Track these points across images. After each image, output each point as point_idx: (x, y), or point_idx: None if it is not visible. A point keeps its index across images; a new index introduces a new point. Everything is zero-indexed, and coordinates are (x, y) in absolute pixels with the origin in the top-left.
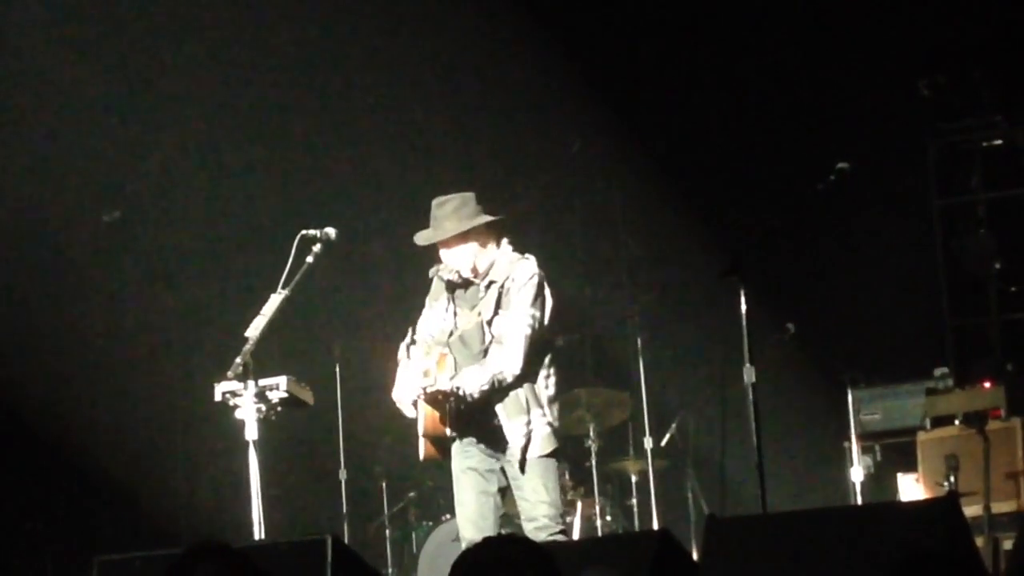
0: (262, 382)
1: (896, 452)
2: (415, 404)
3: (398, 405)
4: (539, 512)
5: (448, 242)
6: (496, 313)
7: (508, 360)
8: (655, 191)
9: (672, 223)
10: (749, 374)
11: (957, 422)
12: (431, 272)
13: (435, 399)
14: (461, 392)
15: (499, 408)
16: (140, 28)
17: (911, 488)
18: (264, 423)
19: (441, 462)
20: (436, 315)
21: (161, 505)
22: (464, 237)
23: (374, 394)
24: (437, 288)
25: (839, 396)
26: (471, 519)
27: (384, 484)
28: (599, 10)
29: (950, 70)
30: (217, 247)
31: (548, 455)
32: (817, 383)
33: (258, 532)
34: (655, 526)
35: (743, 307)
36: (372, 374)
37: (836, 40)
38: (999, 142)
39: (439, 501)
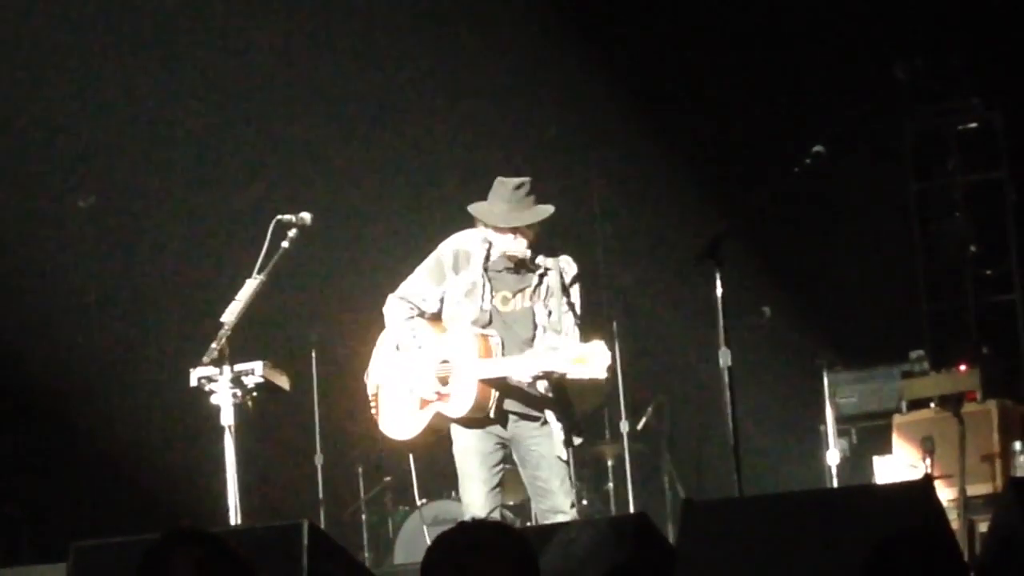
0: (238, 367)
1: (872, 435)
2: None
3: (390, 363)
4: (558, 499)
5: (518, 228)
6: (550, 302)
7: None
8: (631, 176)
9: (648, 207)
10: (725, 357)
11: (933, 405)
12: (459, 247)
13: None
14: (571, 377)
15: (544, 399)
16: (115, 12)
17: (887, 471)
18: (240, 408)
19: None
20: (460, 291)
21: (137, 490)
22: (533, 225)
23: (351, 379)
24: (458, 261)
25: (815, 379)
26: (482, 500)
27: (360, 469)
28: None
29: (926, 53)
30: (192, 232)
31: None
32: (793, 366)
33: (234, 517)
34: (632, 510)
35: (719, 291)
36: (348, 359)
37: (812, 23)
38: (975, 125)
39: (415, 486)
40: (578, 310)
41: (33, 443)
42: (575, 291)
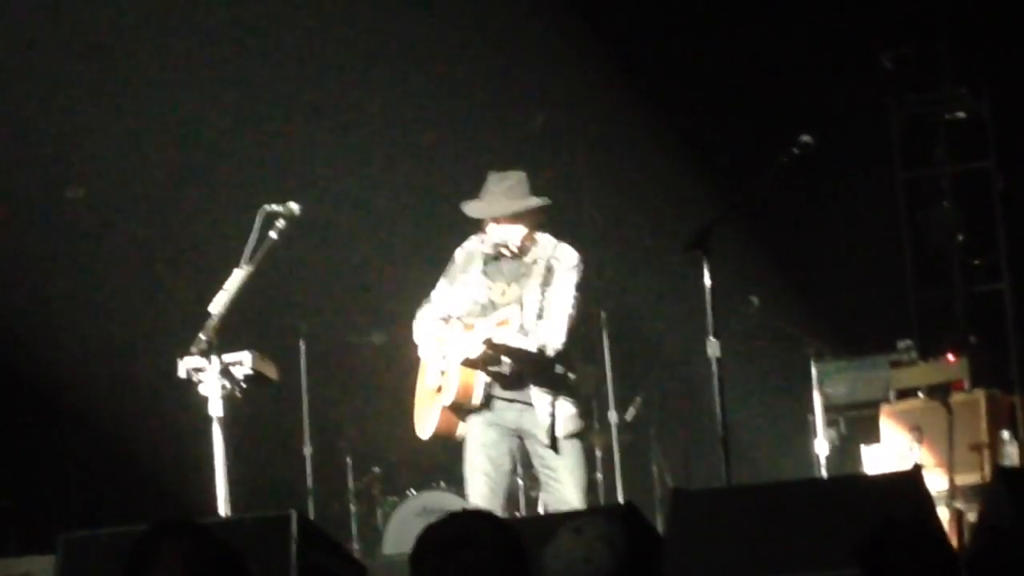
0: (226, 358)
1: (860, 424)
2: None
3: (426, 368)
4: (565, 489)
5: (500, 219)
6: (541, 290)
7: (553, 333)
8: (619, 165)
9: (637, 197)
10: (713, 348)
11: (921, 395)
12: (466, 248)
13: (488, 357)
14: (517, 346)
15: (530, 382)
16: (103, 3)
17: (875, 460)
18: (228, 399)
19: (446, 440)
20: (466, 287)
21: (126, 482)
22: (517, 216)
23: (339, 370)
24: (465, 261)
25: (803, 369)
26: (481, 493)
27: (349, 459)
28: None
29: (914, 42)
30: (181, 222)
31: (575, 435)
32: (781, 356)
33: (223, 508)
34: (620, 500)
35: (707, 280)
36: (338, 350)
37: (799, 12)
38: (962, 114)
39: (404, 476)
40: (570, 299)
41: (21, 434)
42: (568, 279)
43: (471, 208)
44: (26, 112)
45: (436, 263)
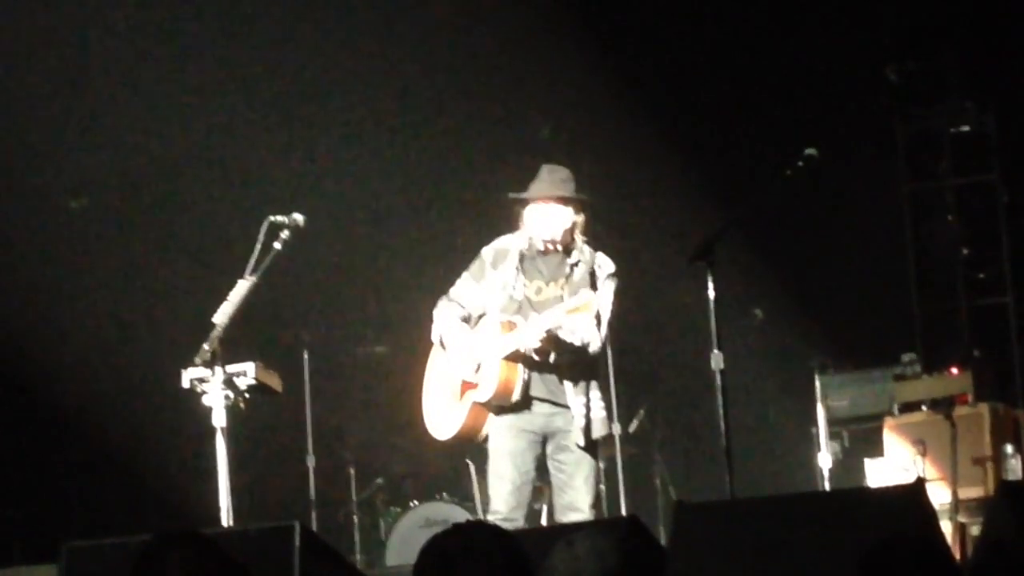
0: (230, 368)
1: (864, 438)
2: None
3: (441, 365)
4: (579, 496)
5: (550, 200)
6: (580, 293)
7: (595, 333)
8: (625, 176)
9: (642, 208)
10: (717, 360)
11: (924, 408)
12: (497, 246)
13: (543, 349)
14: (566, 340)
15: (565, 382)
16: (106, 12)
17: (879, 474)
18: (232, 410)
19: (467, 445)
20: (497, 284)
21: (129, 492)
22: (566, 202)
23: (342, 381)
24: (496, 258)
25: (807, 382)
26: (506, 500)
27: (352, 470)
28: None
29: (919, 56)
30: (184, 233)
31: (601, 439)
32: (785, 369)
33: (226, 519)
34: (623, 512)
35: (711, 292)
36: (341, 361)
37: (805, 25)
38: (967, 128)
39: (407, 487)
40: (606, 308)
41: (26, 444)
42: (606, 289)
43: (531, 189)
44: (29, 122)
45: (440, 274)
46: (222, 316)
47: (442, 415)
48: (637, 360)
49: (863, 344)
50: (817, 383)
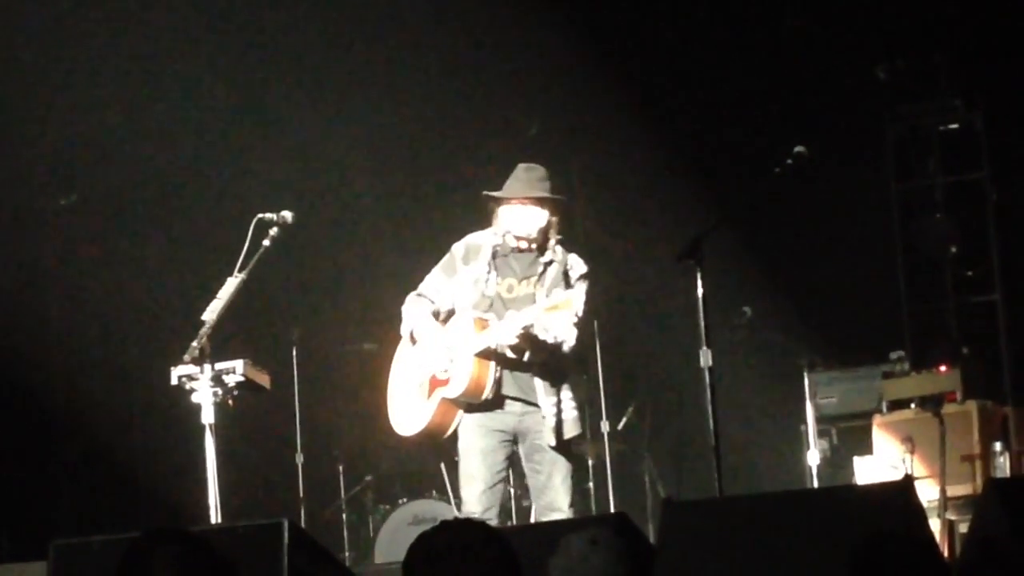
0: (219, 366)
1: (852, 436)
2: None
3: (407, 361)
4: (558, 496)
5: (527, 201)
6: (553, 292)
7: (571, 332)
8: (613, 174)
9: (630, 206)
10: (706, 357)
11: (913, 406)
12: (469, 242)
13: (518, 347)
14: (541, 338)
15: (536, 381)
16: (98, 10)
17: (867, 471)
18: (221, 407)
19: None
20: (468, 280)
21: (118, 489)
22: (542, 203)
23: (332, 378)
24: (467, 254)
25: (795, 379)
26: (478, 499)
27: (341, 468)
28: None
29: (908, 54)
30: (173, 230)
31: (573, 439)
32: (774, 367)
33: (215, 516)
34: (612, 509)
35: (700, 290)
36: (329, 358)
37: (794, 24)
38: (956, 126)
39: (396, 485)
40: (580, 308)
41: (13, 441)
42: (579, 289)
43: (505, 188)
44: (19, 119)
45: (429, 271)
46: (211, 313)
47: (408, 411)
48: (626, 357)
49: (852, 341)
50: (806, 380)
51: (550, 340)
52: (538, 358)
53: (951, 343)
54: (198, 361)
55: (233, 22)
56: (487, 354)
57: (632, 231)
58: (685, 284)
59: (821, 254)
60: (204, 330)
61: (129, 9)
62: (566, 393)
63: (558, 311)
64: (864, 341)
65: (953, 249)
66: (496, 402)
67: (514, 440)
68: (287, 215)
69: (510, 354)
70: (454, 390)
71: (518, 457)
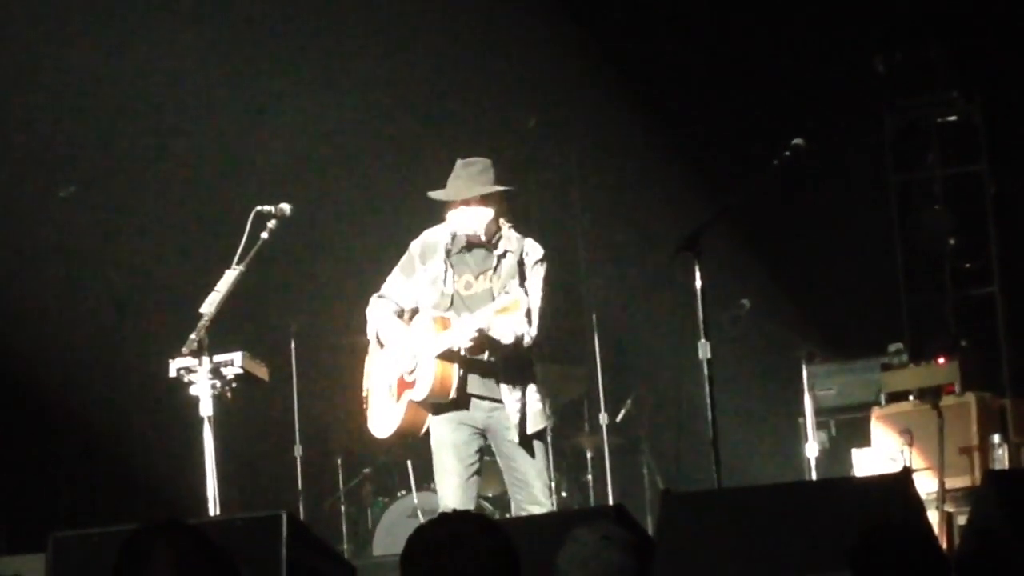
0: (217, 358)
1: (850, 428)
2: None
3: (378, 364)
4: (535, 490)
5: (470, 201)
6: (518, 283)
7: (526, 326)
8: (611, 167)
9: (628, 198)
10: (704, 350)
11: (912, 398)
12: (424, 239)
13: (477, 348)
14: (497, 337)
15: (500, 377)
16: (96, 1)
17: (866, 464)
18: (219, 399)
19: (410, 441)
20: (427, 279)
21: (116, 481)
22: (486, 200)
23: (330, 371)
24: (423, 252)
25: (794, 371)
26: (454, 493)
27: (340, 460)
28: None
29: (906, 46)
30: (172, 222)
31: (540, 432)
32: (772, 359)
33: (213, 508)
34: (610, 502)
35: (698, 282)
36: (328, 351)
37: (792, 15)
38: (955, 118)
39: (394, 477)
40: (537, 294)
41: (11, 433)
42: (536, 274)
43: (440, 193)
44: (17, 111)
45: None
46: (209, 306)
47: (381, 414)
48: (623, 350)
49: (850, 334)
50: (804, 373)
51: (508, 340)
52: (500, 354)
53: (949, 335)
54: (196, 353)
55: (232, 13)
56: (448, 355)
57: (630, 223)
58: (684, 276)
59: (819, 246)
60: (202, 322)
61: (130, 3)
62: (531, 387)
63: (508, 313)
64: (862, 333)
65: (952, 241)
66: (462, 402)
67: (483, 435)
68: (286, 207)
69: (469, 355)
70: (420, 393)
71: (492, 450)
